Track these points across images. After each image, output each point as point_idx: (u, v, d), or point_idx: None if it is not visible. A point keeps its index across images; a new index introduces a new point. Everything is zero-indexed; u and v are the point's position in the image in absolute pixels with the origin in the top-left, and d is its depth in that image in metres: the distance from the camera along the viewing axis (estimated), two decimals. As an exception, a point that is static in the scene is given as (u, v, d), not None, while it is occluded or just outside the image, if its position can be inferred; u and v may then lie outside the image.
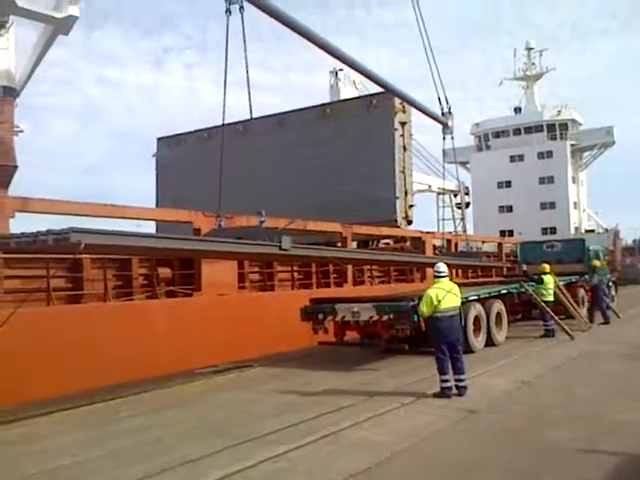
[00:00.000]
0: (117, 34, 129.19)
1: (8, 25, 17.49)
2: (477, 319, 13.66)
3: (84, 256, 11.83)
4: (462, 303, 10.03)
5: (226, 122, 10.26)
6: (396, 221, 22.61)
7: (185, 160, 27.32)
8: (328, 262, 17.24)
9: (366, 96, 26.07)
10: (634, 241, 54.68)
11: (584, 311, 18.86)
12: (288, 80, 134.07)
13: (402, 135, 23.11)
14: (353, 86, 36.05)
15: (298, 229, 16.21)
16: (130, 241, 8.56)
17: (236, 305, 14.06)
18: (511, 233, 46.76)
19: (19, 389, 9.38)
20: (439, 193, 47.00)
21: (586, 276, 19.83)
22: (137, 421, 8.51)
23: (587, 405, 8.42)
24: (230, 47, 9.91)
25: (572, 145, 52.80)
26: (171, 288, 13.82)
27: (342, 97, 33.85)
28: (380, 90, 19.75)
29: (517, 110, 56.83)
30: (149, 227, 23.10)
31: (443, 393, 9.09)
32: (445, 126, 19.14)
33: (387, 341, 12.34)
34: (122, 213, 12.64)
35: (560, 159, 51.77)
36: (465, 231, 40.36)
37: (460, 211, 47.18)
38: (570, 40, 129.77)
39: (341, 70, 35.37)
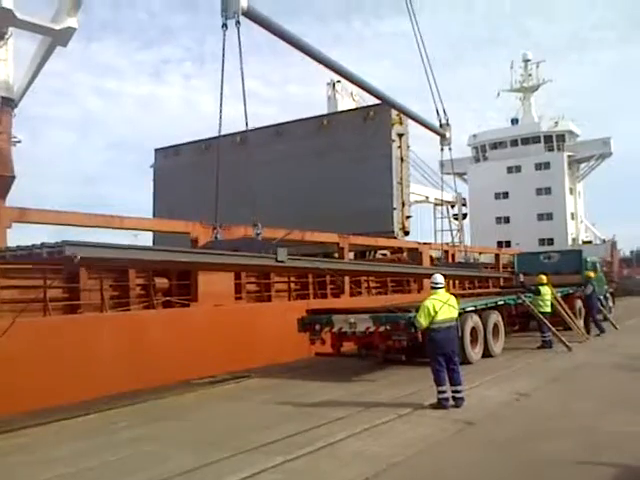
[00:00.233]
0: (116, 46, 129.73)
1: (7, 36, 17.55)
2: (474, 330, 13.65)
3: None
4: (459, 314, 10.04)
5: (224, 133, 10.32)
6: (393, 232, 22.66)
7: (183, 171, 27.39)
8: (324, 273, 17.26)
9: (363, 108, 26.21)
10: (631, 252, 54.86)
11: (581, 322, 18.86)
12: (286, 92, 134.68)
13: (399, 146, 23.22)
14: (350, 98, 36.16)
15: (295, 240, 16.22)
16: (125, 254, 8.56)
17: (233, 316, 14.05)
18: (508, 244, 46.89)
19: (15, 399, 9.34)
20: (436, 204, 47.11)
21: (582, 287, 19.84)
22: (133, 432, 8.47)
23: (585, 417, 8.41)
24: (229, 59, 9.97)
25: (569, 156, 53.03)
26: (168, 298, 13.80)
27: (339, 109, 33.98)
28: (377, 102, 19.87)
29: (514, 121, 57.11)
30: (146, 237, 23.15)
31: (440, 404, 9.07)
32: (443, 137, 19.23)
33: (384, 352, 12.31)
34: (119, 223, 12.66)
35: (557, 170, 51.98)
36: (462, 242, 40.40)
37: (457, 222, 47.26)
38: (567, 51, 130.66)
39: (338, 82, 35.47)
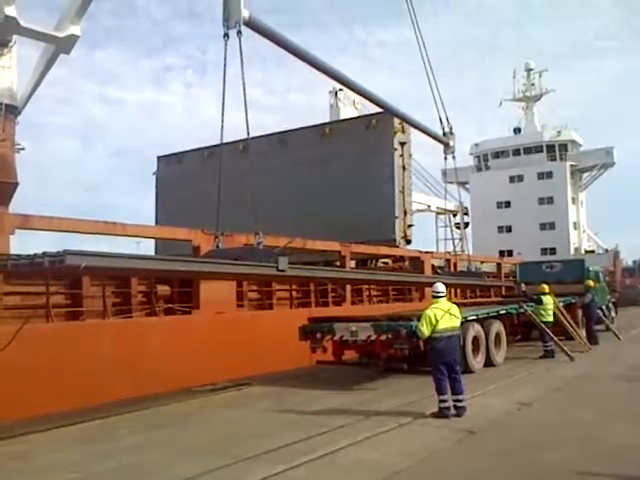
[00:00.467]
0: (118, 53, 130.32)
1: (11, 44, 17.68)
2: (476, 339, 13.63)
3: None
4: (461, 323, 10.02)
5: (227, 141, 10.35)
6: (395, 240, 22.64)
7: (185, 178, 27.42)
8: (325, 282, 17.28)
9: (366, 116, 26.23)
10: (634, 262, 54.64)
11: (583, 332, 18.81)
12: (288, 100, 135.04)
13: (401, 155, 23.23)
14: (353, 106, 36.28)
15: (297, 248, 16.23)
16: (127, 263, 8.58)
17: (234, 323, 14.04)
18: (510, 253, 46.82)
19: (17, 405, 9.34)
20: (438, 213, 47.13)
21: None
22: (134, 439, 8.46)
23: (586, 427, 8.37)
24: (231, 67, 10.03)
25: (572, 166, 53.06)
26: (170, 306, 13.81)
27: (342, 117, 34.07)
28: (379, 110, 19.92)
29: (517, 131, 57.20)
30: (149, 244, 23.20)
31: (441, 413, 9.05)
32: (447, 146, 19.26)
33: (385, 361, 12.29)
34: (122, 231, 12.68)
35: (560, 180, 51.99)
36: (464, 251, 40.40)
37: (459, 231, 47.24)
38: (570, 60, 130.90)
39: (341, 90, 35.59)
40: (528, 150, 54.40)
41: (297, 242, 15.71)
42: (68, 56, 17.79)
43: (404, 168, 23.43)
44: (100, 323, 12.17)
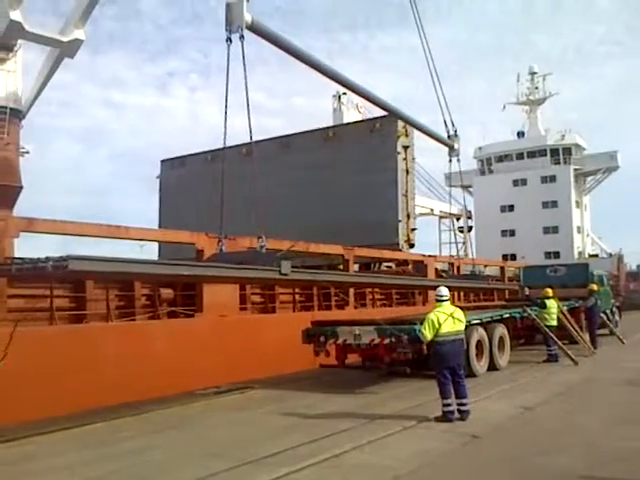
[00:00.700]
0: (122, 57, 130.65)
1: (16, 49, 17.78)
2: (480, 343, 13.61)
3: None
4: (465, 327, 10.00)
5: (230, 144, 10.37)
6: (398, 244, 22.61)
7: (188, 182, 27.46)
8: (328, 286, 17.26)
9: (369, 119, 26.26)
10: (638, 266, 54.50)
11: (587, 336, 18.76)
12: (291, 104, 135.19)
13: (405, 158, 23.20)
14: (356, 110, 36.36)
15: (300, 251, 16.25)
16: (130, 268, 8.59)
17: (237, 326, 14.04)
18: (514, 257, 46.68)
19: (20, 408, 9.35)
20: (441, 217, 47.17)
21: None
22: (137, 441, 8.46)
23: (590, 432, 8.35)
24: (234, 71, 10.06)
25: (576, 170, 52.92)
26: (173, 309, 13.83)
27: (345, 120, 34.13)
28: (383, 114, 19.93)
29: (520, 134, 57.07)
30: (152, 247, 23.22)
31: (445, 417, 9.03)
32: (452, 149, 19.26)
33: (389, 364, 12.29)
34: (125, 234, 12.70)
35: (563, 183, 51.85)
36: (467, 255, 40.38)
37: (462, 235, 47.25)
38: (574, 64, 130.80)
39: (344, 94, 35.68)
40: (532, 154, 54.30)
41: (300, 245, 15.73)
42: (72, 60, 17.89)
43: (407, 172, 23.40)
44: (104, 326, 12.19)
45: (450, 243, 45.27)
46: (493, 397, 10.97)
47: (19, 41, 17.43)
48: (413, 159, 24.04)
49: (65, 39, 16.97)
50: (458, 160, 19.45)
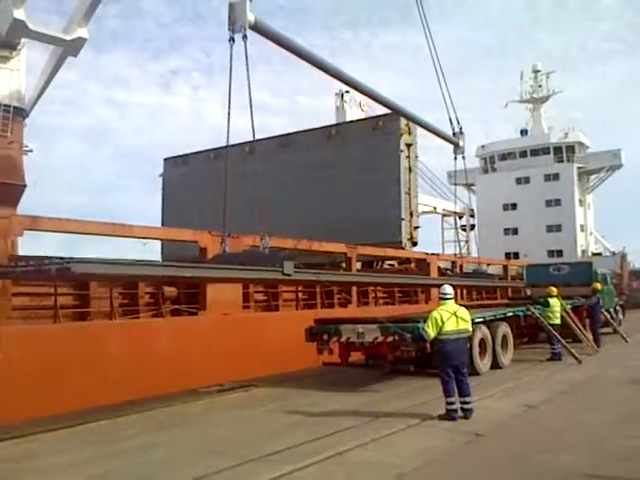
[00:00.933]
0: (125, 56, 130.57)
1: (19, 47, 17.78)
2: (483, 341, 13.60)
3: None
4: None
5: (233, 143, 10.38)
6: (401, 242, 22.63)
7: (191, 180, 27.53)
8: (331, 285, 17.26)
9: (372, 118, 26.27)
10: (642, 265, 54.37)
11: (590, 335, 18.72)
12: (295, 102, 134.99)
13: (408, 156, 23.22)
14: (359, 108, 36.31)
15: (303, 249, 16.25)
16: (132, 270, 8.61)
17: (241, 325, 14.07)
18: (516, 255, 46.61)
19: (25, 406, 9.38)
20: (444, 215, 47.14)
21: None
22: (141, 439, 8.48)
23: (594, 430, 8.34)
24: (238, 70, 10.04)
25: (579, 168, 52.75)
26: (176, 307, 13.86)
27: (348, 119, 34.09)
28: (386, 112, 19.91)
29: (523, 132, 56.89)
30: (155, 245, 23.25)
31: (449, 415, 9.03)
32: (456, 146, 19.23)
33: (392, 362, 12.28)
34: (129, 232, 12.74)
35: (567, 182, 51.69)
36: (469, 253, 40.36)
37: (465, 233, 47.19)
38: (577, 62, 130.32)
39: (347, 92, 35.64)
40: (535, 152, 54.13)
41: (303, 244, 15.75)
42: (75, 59, 17.88)
43: (410, 170, 23.42)
44: (107, 324, 12.22)
45: (455, 241, 45.15)
46: (496, 395, 10.96)
47: (22, 40, 17.42)
48: (416, 157, 24.06)
49: (68, 38, 16.94)
50: (463, 158, 19.42)
